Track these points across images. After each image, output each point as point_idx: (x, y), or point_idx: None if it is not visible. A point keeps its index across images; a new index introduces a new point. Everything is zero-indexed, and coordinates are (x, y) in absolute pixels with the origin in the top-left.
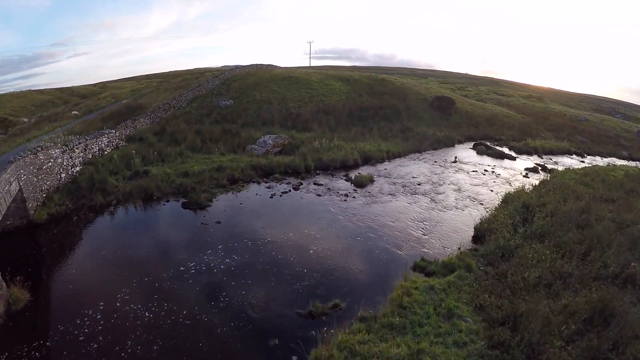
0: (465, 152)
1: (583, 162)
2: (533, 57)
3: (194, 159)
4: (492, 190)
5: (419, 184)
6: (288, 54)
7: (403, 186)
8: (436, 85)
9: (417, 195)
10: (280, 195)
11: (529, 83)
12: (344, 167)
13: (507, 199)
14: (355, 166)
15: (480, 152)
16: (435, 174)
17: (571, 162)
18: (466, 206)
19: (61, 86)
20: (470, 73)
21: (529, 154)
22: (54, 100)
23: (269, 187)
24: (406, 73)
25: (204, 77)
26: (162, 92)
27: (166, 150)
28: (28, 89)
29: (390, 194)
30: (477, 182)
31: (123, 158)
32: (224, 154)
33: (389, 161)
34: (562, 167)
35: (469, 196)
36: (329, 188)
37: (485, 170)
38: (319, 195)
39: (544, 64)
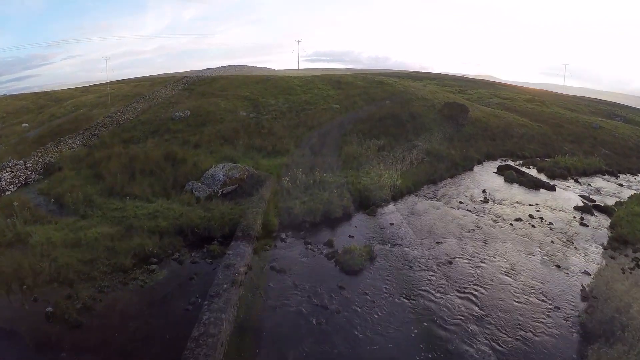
0: (492, 180)
1: (621, 185)
2: (525, 58)
3: (100, 211)
4: (558, 266)
5: (450, 262)
6: (284, 56)
7: (424, 270)
8: (437, 88)
9: (450, 296)
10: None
11: (523, 85)
12: (328, 220)
13: (602, 314)
14: (346, 217)
15: (509, 180)
16: (469, 231)
17: (609, 186)
18: (537, 328)
19: (56, 89)
20: (466, 75)
21: (563, 177)
22: (28, 106)
23: (192, 278)
24: (402, 76)
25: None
26: (119, 99)
27: (67, 197)
28: (22, 91)
29: (405, 296)
30: (531, 248)
31: (5, 210)
32: (149, 199)
33: (394, 203)
34: (606, 195)
35: (533, 290)
36: (295, 284)
37: (531, 217)
38: (274, 307)
39: (536, 65)
